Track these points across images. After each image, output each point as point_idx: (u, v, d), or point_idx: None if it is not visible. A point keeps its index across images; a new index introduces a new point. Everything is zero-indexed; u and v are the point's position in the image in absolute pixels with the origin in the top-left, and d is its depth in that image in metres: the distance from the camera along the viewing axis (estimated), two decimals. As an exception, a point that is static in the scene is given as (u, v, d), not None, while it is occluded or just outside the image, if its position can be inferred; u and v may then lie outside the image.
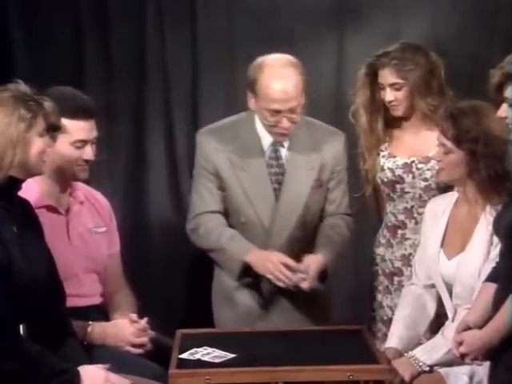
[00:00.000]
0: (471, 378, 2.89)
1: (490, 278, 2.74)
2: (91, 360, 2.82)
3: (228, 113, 4.39)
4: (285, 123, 3.20)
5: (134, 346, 3.06)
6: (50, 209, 3.09)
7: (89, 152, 3.08)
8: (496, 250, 2.88)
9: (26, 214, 2.77)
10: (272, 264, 3.20)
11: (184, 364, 2.83)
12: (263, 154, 3.33)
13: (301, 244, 3.38)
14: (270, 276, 3.22)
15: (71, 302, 3.04)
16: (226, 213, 3.39)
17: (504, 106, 2.62)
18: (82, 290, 3.12)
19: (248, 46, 4.35)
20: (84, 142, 3.06)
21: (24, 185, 2.82)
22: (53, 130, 2.91)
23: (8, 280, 2.56)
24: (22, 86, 2.69)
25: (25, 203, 2.79)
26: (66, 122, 2.97)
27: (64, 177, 3.11)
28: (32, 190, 3.03)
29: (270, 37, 4.32)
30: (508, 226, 2.61)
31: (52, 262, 2.80)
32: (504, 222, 2.65)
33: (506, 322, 2.54)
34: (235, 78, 4.39)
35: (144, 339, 3.07)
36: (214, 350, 2.91)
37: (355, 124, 3.49)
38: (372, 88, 3.46)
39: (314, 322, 3.40)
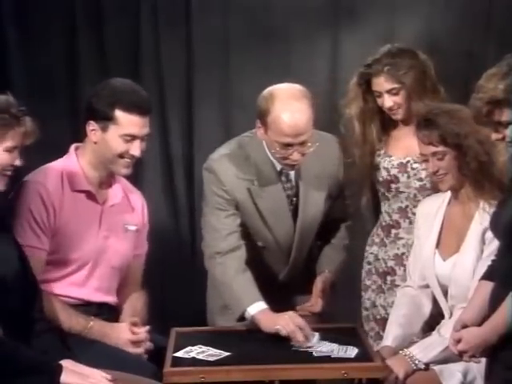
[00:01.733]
0: (465, 375, 2.89)
1: (486, 275, 2.73)
2: (82, 354, 2.79)
3: (222, 113, 4.43)
4: (295, 156, 3.11)
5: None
6: (89, 195, 3.10)
7: (137, 147, 3.04)
8: (489, 248, 2.89)
9: None
10: (287, 322, 3.00)
11: (179, 362, 2.84)
12: (279, 180, 3.25)
13: (314, 255, 3.45)
14: (279, 328, 3.01)
15: (84, 295, 3.08)
16: (243, 237, 3.27)
17: (501, 129, 2.60)
18: (97, 284, 3.11)
19: (243, 45, 4.36)
20: (133, 137, 3.03)
21: (71, 166, 3.00)
22: (105, 119, 2.98)
23: None
24: (4, 98, 2.69)
25: None
26: (119, 113, 2.99)
27: (107, 168, 3.10)
28: (77, 173, 3.08)
29: (265, 36, 4.33)
30: (506, 224, 2.60)
31: (25, 261, 2.79)
32: (502, 220, 2.64)
33: (505, 320, 2.53)
34: (230, 77, 4.40)
35: (140, 350, 3.02)
36: (209, 348, 2.92)
37: (348, 135, 3.43)
38: (365, 97, 3.44)
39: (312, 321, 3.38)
